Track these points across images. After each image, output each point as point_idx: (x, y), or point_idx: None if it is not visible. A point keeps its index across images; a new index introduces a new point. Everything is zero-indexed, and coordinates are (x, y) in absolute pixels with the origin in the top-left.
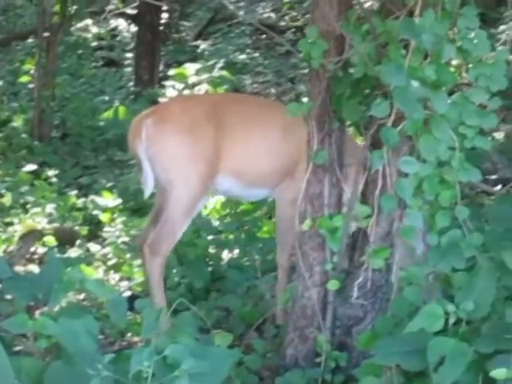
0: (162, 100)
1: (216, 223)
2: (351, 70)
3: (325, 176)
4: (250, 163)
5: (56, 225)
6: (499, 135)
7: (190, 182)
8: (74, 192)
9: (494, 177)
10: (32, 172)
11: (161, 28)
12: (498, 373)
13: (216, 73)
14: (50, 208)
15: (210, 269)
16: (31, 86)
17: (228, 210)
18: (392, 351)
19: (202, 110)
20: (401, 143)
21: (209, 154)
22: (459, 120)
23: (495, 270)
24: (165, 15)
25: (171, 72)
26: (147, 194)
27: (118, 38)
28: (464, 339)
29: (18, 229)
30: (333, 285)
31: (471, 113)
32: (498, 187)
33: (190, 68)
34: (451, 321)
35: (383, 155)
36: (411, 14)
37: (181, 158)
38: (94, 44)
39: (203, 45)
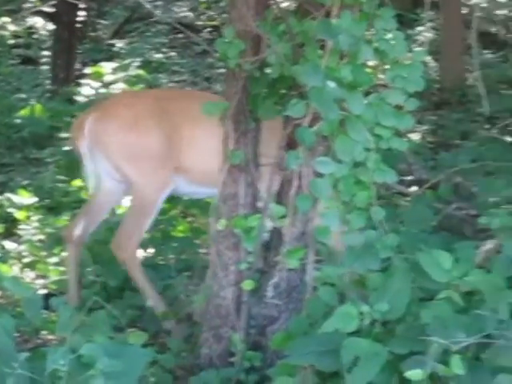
0: (77, 98)
1: None
2: (268, 70)
3: (240, 176)
4: (197, 161)
5: None
6: (415, 136)
7: (146, 176)
8: None
9: (409, 178)
10: None
11: (78, 26)
12: (413, 374)
13: (132, 71)
14: None
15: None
16: None
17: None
18: (306, 351)
19: (146, 106)
20: (317, 143)
21: (156, 148)
22: (375, 121)
23: (410, 271)
24: (82, 13)
25: (87, 70)
26: (91, 190)
27: (35, 36)
28: (378, 340)
29: None
30: (248, 284)
31: (387, 114)
32: (414, 188)
33: (106, 66)
34: (366, 321)
35: (299, 155)
36: (328, 14)
37: (129, 153)
38: (11, 42)
39: (120, 43)
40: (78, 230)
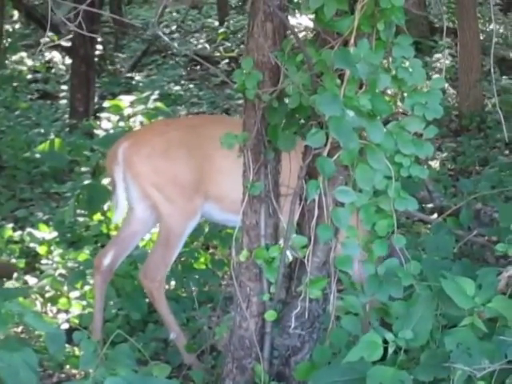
0: (97, 132)
1: None
2: (286, 101)
3: (261, 207)
4: (229, 188)
5: None
6: (435, 163)
7: (174, 205)
8: (11, 225)
9: (430, 205)
10: None
11: (95, 60)
12: None
13: (151, 104)
14: None
15: (147, 300)
16: None
17: None
18: (331, 381)
19: (177, 134)
20: (336, 173)
21: (187, 177)
22: (395, 149)
23: (433, 298)
24: (99, 47)
25: (106, 104)
26: (117, 217)
27: (53, 71)
28: (403, 368)
29: None
30: (270, 315)
31: (407, 142)
32: (434, 216)
33: (124, 100)
34: (390, 350)
35: (319, 185)
36: (346, 43)
37: (159, 181)
38: (29, 77)
39: (138, 76)
40: (107, 260)
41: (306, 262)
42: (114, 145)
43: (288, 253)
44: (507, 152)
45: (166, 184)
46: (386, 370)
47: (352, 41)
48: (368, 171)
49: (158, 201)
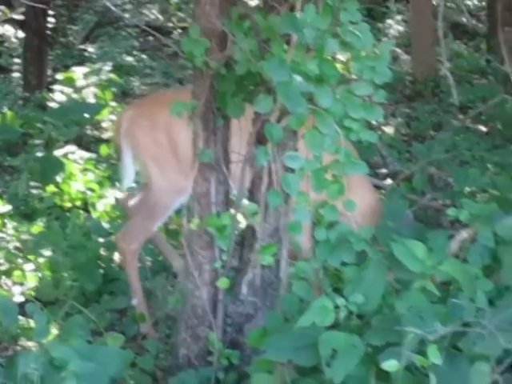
0: (50, 104)
1: (107, 225)
2: (234, 68)
3: (211, 174)
4: None
5: None
6: (389, 129)
7: (169, 179)
8: None
9: (384, 171)
10: None
11: (48, 33)
12: (389, 365)
13: (104, 75)
14: None
15: (101, 271)
16: None
17: (119, 213)
18: (283, 347)
19: None
20: (286, 138)
21: (187, 151)
22: (344, 113)
23: (384, 262)
24: (52, 20)
25: (59, 76)
26: (125, 186)
27: (6, 45)
28: (355, 332)
29: None
30: (223, 283)
31: (356, 106)
32: (388, 181)
33: (77, 72)
34: (342, 315)
35: (268, 151)
36: (292, 9)
37: (158, 154)
38: None
39: (91, 48)
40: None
41: (257, 228)
42: (121, 113)
43: (241, 220)
44: (461, 116)
45: (164, 157)
46: (337, 335)
47: (298, 6)
48: (317, 136)
49: (152, 173)
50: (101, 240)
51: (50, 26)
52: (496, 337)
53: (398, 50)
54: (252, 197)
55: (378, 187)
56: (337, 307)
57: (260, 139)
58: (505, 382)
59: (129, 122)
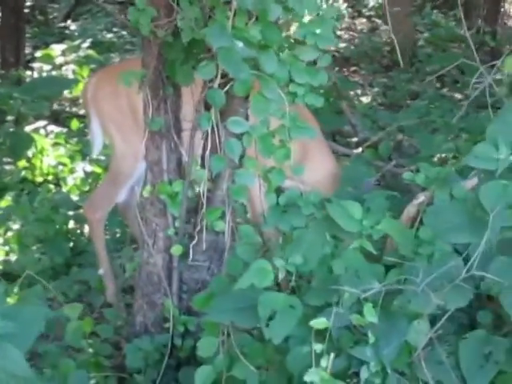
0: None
1: (76, 198)
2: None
3: (162, 142)
4: None
5: None
6: (366, 99)
7: (130, 145)
8: None
9: (354, 139)
10: None
11: (26, 11)
12: (318, 323)
13: (82, 52)
14: None
15: (70, 244)
16: None
17: (88, 187)
18: (225, 309)
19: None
20: (236, 105)
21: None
22: (289, 78)
23: (324, 223)
24: None
25: (38, 54)
26: (94, 153)
27: None
28: (294, 293)
29: None
30: (176, 250)
31: (300, 71)
32: (360, 150)
33: (56, 49)
34: (281, 276)
35: (211, 117)
36: None
37: (119, 120)
38: None
39: (73, 26)
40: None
41: (208, 194)
42: (87, 81)
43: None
44: (438, 85)
45: (125, 124)
46: (276, 296)
47: None
48: (262, 101)
49: (115, 140)
50: (70, 213)
51: (28, 4)
52: (428, 295)
53: (378, 21)
54: (203, 164)
55: (346, 155)
56: (276, 269)
57: (208, 106)
58: (438, 340)
59: (93, 89)
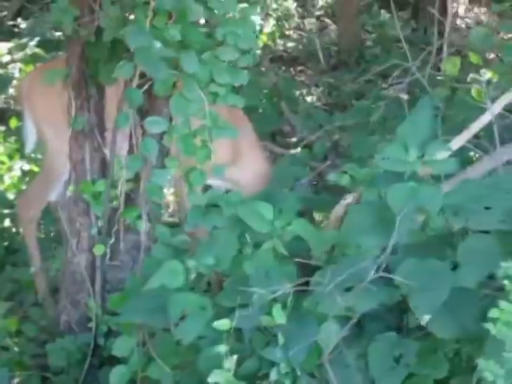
0: None
1: (12, 197)
2: None
3: (85, 141)
4: None
5: None
6: (311, 98)
7: (64, 143)
8: None
9: (294, 139)
10: None
11: None
12: (220, 324)
13: (30, 50)
14: None
15: (5, 243)
16: None
17: (25, 186)
18: (137, 309)
19: None
20: (156, 104)
21: None
22: (210, 79)
23: (237, 224)
24: None
25: None
26: (27, 149)
27: None
28: (205, 294)
29: None
30: (98, 249)
31: (221, 71)
32: (297, 150)
33: (2, 47)
34: (192, 276)
35: (129, 116)
36: None
37: (52, 117)
38: None
39: (22, 24)
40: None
41: (131, 195)
42: (22, 79)
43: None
44: (385, 85)
45: (57, 121)
46: (187, 296)
47: None
48: (182, 101)
49: (48, 137)
50: (6, 211)
51: None
52: (334, 296)
53: (327, 20)
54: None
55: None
56: (187, 269)
57: None
58: (344, 342)
59: (27, 86)
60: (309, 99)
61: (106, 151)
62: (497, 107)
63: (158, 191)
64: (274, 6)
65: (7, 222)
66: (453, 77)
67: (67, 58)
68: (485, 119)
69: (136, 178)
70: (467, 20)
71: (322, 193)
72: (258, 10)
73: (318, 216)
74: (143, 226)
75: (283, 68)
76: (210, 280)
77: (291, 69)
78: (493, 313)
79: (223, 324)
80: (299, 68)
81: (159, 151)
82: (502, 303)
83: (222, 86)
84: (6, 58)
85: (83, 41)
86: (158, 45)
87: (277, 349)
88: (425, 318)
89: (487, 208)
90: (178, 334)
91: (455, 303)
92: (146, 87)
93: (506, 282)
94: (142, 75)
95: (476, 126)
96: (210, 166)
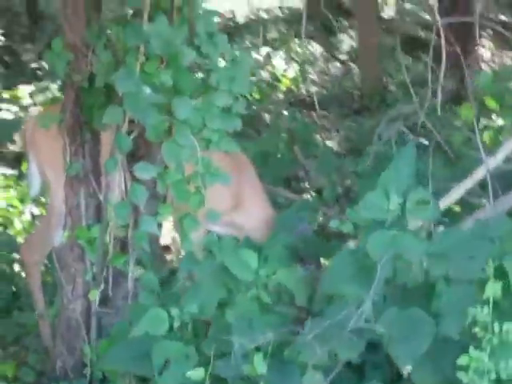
0: None
1: (22, 241)
2: None
3: (80, 187)
4: None
5: None
6: (331, 143)
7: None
8: None
9: (307, 184)
10: None
11: None
12: (194, 374)
13: (50, 94)
14: None
15: (13, 287)
16: None
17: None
18: (121, 356)
19: None
20: (151, 149)
21: None
22: (203, 124)
23: (222, 272)
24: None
25: (5, 95)
26: (32, 194)
27: None
28: (189, 342)
29: None
30: (93, 295)
31: (214, 116)
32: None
33: (24, 90)
34: (176, 324)
35: (117, 161)
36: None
37: (54, 161)
38: None
39: (46, 66)
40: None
41: (125, 240)
42: (26, 121)
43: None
44: (406, 130)
45: (60, 165)
46: (171, 345)
47: (145, 16)
48: (174, 147)
49: (51, 180)
50: (16, 256)
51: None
52: (313, 346)
53: (352, 64)
54: None
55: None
56: (171, 317)
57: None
58: None
59: (31, 129)
60: (329, 144)
61: (101, 197)
62: (492, 162)
63: (143, 238)
64: (299, 50)
65: (17, 267)
66: (470, 122)
67: (63, 102)
68: (478, 176)
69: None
70: (492, 64)
71: (327, 238)
72: (282, 54)
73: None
74: (129, 272)
75: (305, 112)
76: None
77: (313, 113)
78: (462, 360)
79: (197, 374)
80: (322, 113)
81: (151, 197)
82: (472, 351)
83: (215, 131)
84: (28, 101)
85: (77, 86)
86: (148, 90)
87: None
88: (406, 368)
89: (470, 257)
90: (162, 382)
91: (437, 352)
92: (136, 133)
93: (476, 329)
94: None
95: (468, 183)
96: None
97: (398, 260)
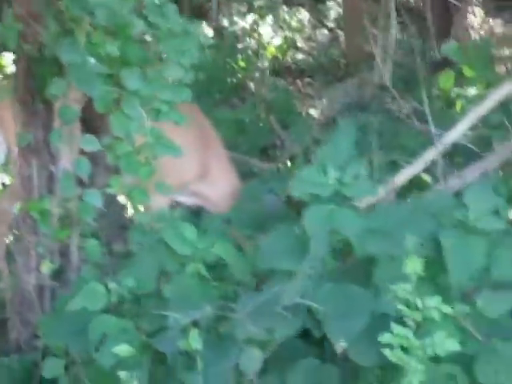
0: None
1: None
2: None
3: (33, 158)
4: None
5: None
6: (314, 111)
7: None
8: None
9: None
10: None
11: None
12: (119, 349)
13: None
14: None
15: None
16: None
17: None
18: (59, 331)
19: None
20: (106, 121)
21: None
22: (153, 95)
23: (161, 245)
24: None
25: None
26: None
27: None
28: (128, 317)
29: None
30: (46, 267)
31: (164, 88)
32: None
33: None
34: (113, 298)
35: (61, 133)
36: None
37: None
38: None
39: None
40: None
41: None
42: None
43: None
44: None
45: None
46: (108, 319)
47: None
48: (123, 119)
49: (13, 150)
50: None
51: None
52: (245, 322)
53: (340, 32)
54: None
55: None
56: (109, 291)
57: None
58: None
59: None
60: (312, 112)
61: (53, 168)
62: (445, 140)
63: (88, 211)
64: (286, 17)
65: None
66: (447, 91)
67: (14, 73)
68: (430, 155)
69: None
70: (481, 32)
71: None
72: (269, 21)
73: None
74: (73, 245)
75: (290, 80)
76: None
77: (298, 81)
78: (385, 338)
79: (123, 350)
80: (307, 80)
81: (104, 169)
82: (396, 327)
83: (165, 102)
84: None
85: (28, 57)
86: (92, 60)
87: (195, 373)
88: (339, 346)
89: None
90: (99, 357)
91: (375, 329)
92: (83, 104)
93: (399, 305)
94: None
95: (421, 162)
96: (176, 182)
97: (335, 235)
